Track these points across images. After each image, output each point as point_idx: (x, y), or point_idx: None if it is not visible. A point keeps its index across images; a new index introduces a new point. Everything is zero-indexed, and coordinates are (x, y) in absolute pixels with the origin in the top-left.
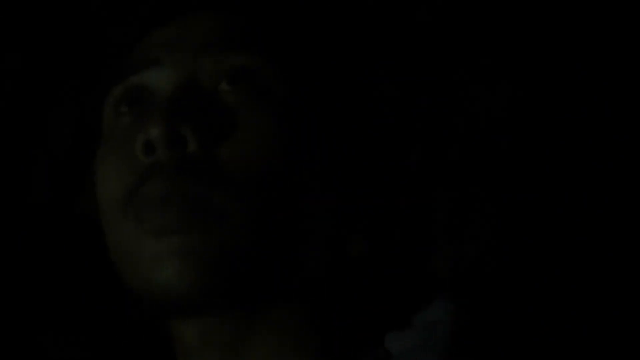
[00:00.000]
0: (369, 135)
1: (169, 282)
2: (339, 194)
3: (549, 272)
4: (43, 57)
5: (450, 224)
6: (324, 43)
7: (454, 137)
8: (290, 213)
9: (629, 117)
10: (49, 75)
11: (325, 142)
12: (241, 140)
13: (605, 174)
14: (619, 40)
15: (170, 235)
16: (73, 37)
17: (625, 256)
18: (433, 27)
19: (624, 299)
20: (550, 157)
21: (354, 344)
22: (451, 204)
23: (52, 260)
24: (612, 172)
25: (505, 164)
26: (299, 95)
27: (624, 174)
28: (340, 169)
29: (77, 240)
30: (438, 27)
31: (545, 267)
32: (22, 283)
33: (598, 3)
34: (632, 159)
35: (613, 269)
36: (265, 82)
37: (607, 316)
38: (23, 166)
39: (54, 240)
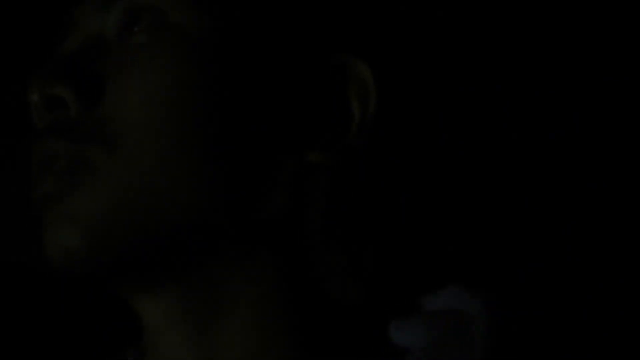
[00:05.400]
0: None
1: (61, 251)
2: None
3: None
4: None
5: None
6: None
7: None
8: (196, 161)
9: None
10: None
11: (252, 86)
12: (128, 91)
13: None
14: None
15: (53, 203)
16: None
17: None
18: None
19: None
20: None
21: (346, 329)
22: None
23: None
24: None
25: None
26: (220, 35)
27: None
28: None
29: None
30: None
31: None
32: None
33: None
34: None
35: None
36: (176, 20)
37: None
38: None
39: None
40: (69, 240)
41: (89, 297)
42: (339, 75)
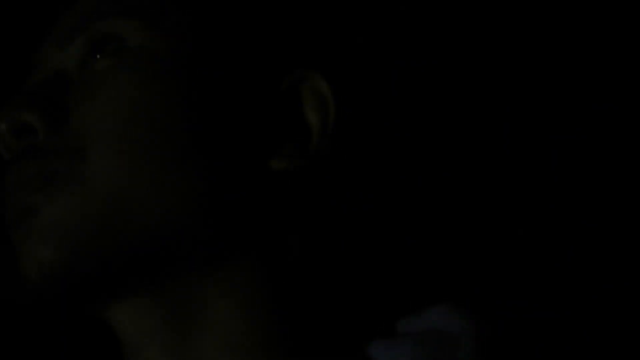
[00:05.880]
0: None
1: (36, 265)
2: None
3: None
4: None
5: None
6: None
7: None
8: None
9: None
10: None
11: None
12: (93, 108)
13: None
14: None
15: (28, 217)
16: None
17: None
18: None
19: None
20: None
21: (328, 348)
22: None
23: None
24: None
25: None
26: (178, 54)
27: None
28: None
29: None
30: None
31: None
32: None
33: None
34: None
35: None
36: (136, 44)
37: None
38: None
39: None
40: (44, 253)
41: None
42: (297, 88)
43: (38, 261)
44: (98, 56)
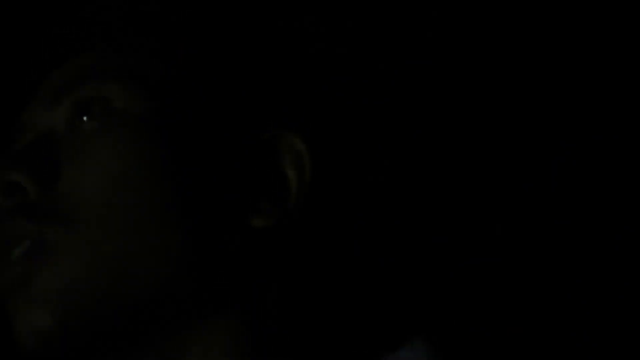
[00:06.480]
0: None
1: (33, 334)
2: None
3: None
4: None
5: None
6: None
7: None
8: (151, 236)
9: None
10: None
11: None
12: (83, 171)
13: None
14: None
15: (19, 287)
16: None
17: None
18: None
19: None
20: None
21: None
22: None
23: None
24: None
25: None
26: (161, 116)
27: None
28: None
29: None
30: None
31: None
32: None
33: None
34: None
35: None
36: (120, 106)
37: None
38: None
39: None
40: (40, 321)
41: None
42: (275, 147)
43: (34, 328)
44: (85, 118)
